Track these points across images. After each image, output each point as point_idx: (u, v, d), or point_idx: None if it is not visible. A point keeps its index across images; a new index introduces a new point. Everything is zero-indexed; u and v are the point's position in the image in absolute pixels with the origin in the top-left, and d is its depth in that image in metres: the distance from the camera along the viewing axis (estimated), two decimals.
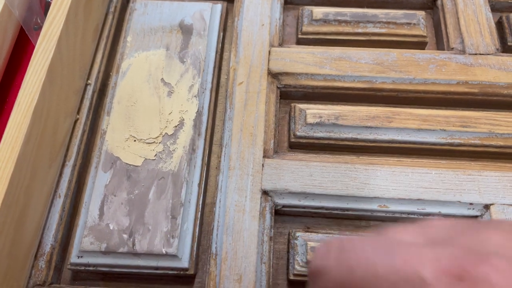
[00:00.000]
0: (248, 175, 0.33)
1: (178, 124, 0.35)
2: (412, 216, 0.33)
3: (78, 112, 0.37)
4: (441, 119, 0.35)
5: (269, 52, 0.38)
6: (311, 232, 0.33)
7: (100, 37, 0.41)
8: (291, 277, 0.31)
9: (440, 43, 0.40)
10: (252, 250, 0.31)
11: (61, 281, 0.32)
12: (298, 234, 0.32)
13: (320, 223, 0.34)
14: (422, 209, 0.32)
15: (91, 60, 0.39)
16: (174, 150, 0.34)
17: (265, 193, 0.33)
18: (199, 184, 0.34)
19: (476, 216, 0.32)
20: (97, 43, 0.40)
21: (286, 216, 0.34)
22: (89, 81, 0.38)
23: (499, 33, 0.40)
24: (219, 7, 0.41)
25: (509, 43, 0.39)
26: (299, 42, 0.41)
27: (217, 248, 0.31)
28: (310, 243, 0.31)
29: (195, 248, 0.32)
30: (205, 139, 0.35)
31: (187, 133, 0.35)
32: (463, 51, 0.38)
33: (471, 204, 0.32)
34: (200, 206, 0.33)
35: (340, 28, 0.40)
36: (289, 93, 0.38)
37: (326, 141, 0.35)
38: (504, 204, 0.32)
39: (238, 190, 0.33)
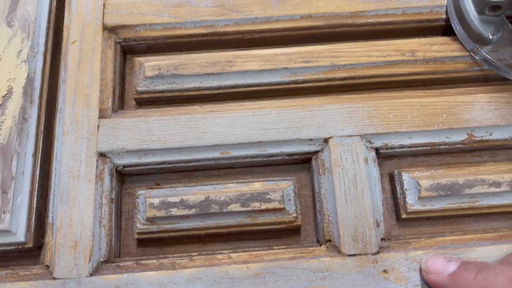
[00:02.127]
0: (82, 138, 0.32)
1: (6, 94, 0.33)
2: (257, 159, 0.32)
3: None
4: (283, 58, 0.34)
5: (104, 4, 0.35)
6: (159, 188, 0.32)
7: None
8: (136, 236, 0.31)
9: None
10: (88, 215, 0.30)
11: None
12: (140, 192, 0.31)
13: (170, 178, 0.33)
14: (264, 151, 0.32)
15: None
16: (2, 121, 0.32)
17: (102, 155, 0.31)
18: (34, 155, 0.32)
19: (316, 151, 0.32)
20: None
21: (134, 175, 0.33)
22: None
23: None
24: None
25: None
26: None
27: (53, 218, 0.30)
28: (150, 200, 0.30)
29: (33, 221, 0.31)
30: (39, 107, 0.33)
31: (17, 102, 0.33)
32: None
33: (310, 140, 0.32)
34: (38, 176, 0.32)
35: None
36: (132, 48, 0.36)
37: (169, 94, 0.34)
38: (342, 136, 0.31)
39: (72, 155, 0.31)
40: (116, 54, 0.35)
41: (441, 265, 0.26)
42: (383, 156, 0.33)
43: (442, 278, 0.26)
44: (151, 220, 0.30)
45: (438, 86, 0.35)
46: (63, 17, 0.37)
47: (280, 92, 0.34)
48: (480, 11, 0.32)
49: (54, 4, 0.37)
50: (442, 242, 0.29)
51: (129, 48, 0.36)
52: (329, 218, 0.30)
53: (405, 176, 0.31)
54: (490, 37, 0.32)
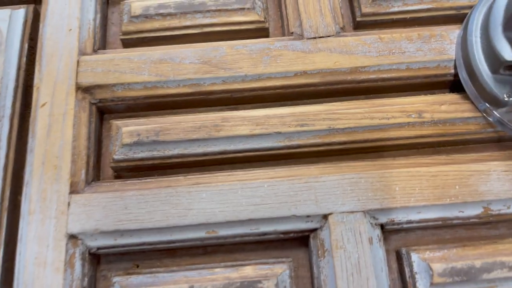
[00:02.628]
0: (50, 218, 0.28)
1: None
2: (247, 237, 0.29)
3: None
4: (276, 120, 0.31)
5: (78, 62, 0.32)
6: (137, 273, 0.28)
7: None
8: None
9: (283, 28, 0.35)
10: None
11: None
12: (115, 279, 0.27)
13: (151, 257, 0.30)
14: (256, 229, 0.28)
15: None
16: None
17: (72, 237, 0.28)
18: None
19: (315, 229, 0.28)
20: None
21: (112, 256, 0.30)
22: None
23: (350, 7, 0.35)
24: (21, 13, 0.34)
25: (358, 19, 0.34)
26: (124, 44, 0.35)
27: None
28: None
29: None
30: (3, 178, 0.30)
31: None
32: (301, 36, 0.33)
33: (308, 216, 0.28)
34: (1, 259, 0.28)
35: (166, 23, 0.34)
36: (110, 108, 0.33)
37: (150, 162, 0.30)
38: (343, 212, 0.28)
39: (38, 239, 0.28)
40: (91, 116, 0.31)
41: None
42: (389, 230, 0.29)
43: None
44: None
45: (448, 149, 0.31)
46: (34, 74, 0.33)
47: (273, 157, 0.31)
48: (494, 71, 0.29)
49: (24, 60, 0.33)
50: None
51: (106, 108, 0.33)
52: None
53: (415, 257, 0.28)
54: (506, 98, 0.29)
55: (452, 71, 0.32)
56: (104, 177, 0.31)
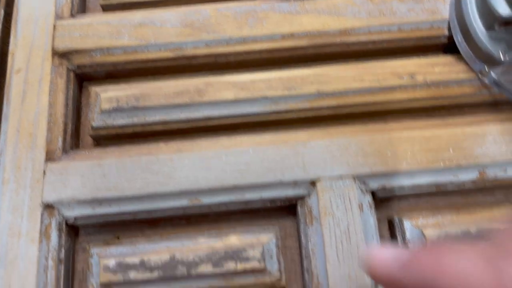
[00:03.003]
0: (25, 187, 0.27)
1: None
2: (232, 206, 0.27)
3: None
4: (262, 85, 0.29)
5: (54, 27, 0.31)
6: (117, 244, 0.27)
7: None
8: None
9: None
10: (30, 281, 0.25)
11: None
12: (93, 250, 0.26)
13: (131, 228, 0.28)
14: (241, 196, 0.27)
15: None
16: None
17: (48, 206, 0.27)
18: None
19: (302, 197, 0.27)
20: None
21: (90, 227, 0.28)
22: None
23: None
24: None
25: None
26: (104, 9, 0.33)
27: None
28: (104, 261, 0.26)
29: None
30: None
31: None
32: None
33: (295, 182, 0.27)
34: None
35: None
36: (88, 75, 0.31)
37: (130, 129, 0.29)
38: (332, 178, 0.27)
39: (12, 209, 0.26)
40: (69, 83, 0.30)
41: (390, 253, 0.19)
42: (380, 198, 0.28)
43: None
44: (106, 285, 0.25)
45: (442, 113, 0.30)
46: (9, 41, 0.32)
47: (259, 124, 0.30)
48: (489, 27, 0.27)
49: (0, 27, 0.32)
50: None
51: (85, 75, 0.31)
52: (318, 279, 0.25)
53: (407, 224, 0.26)
54: (501, 57, 0.27)
55: (446, 32, 0.30)
56: (83, 146, 0.30)
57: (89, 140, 0.30)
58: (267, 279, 0.25)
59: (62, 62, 0.30)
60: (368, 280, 0.25)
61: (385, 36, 0.30)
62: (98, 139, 0.30)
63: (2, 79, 0.31)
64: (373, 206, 0.27)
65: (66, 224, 0.27)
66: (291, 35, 0.30)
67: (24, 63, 0.30)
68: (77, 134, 0.30)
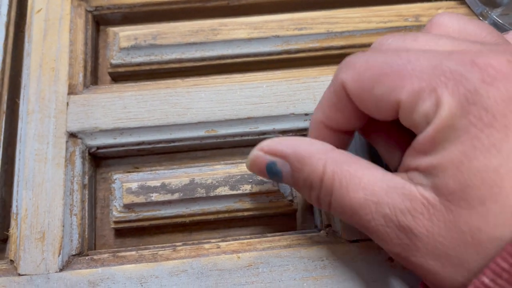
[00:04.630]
0: (50, 117, 0.28)
1: None
2: (247, 137, 0.29)
3: None
4: (274, 25, 0.31)
5: None
6: (137, 171, 0.28)
7: None
8: (112, 226, 0.27)
9: None
10: (57, 203, 0.26)
11: None
12: (115, 176, 0.28)
13: (150, 160, 0.30)
14: (255, 128, 0.29)
15: None
16: None
17: (72, 135, 0.28)
18: None
19: None
20: None
21: (110, 159, 0.30)
22: None
23: None
24: None
25: None
26: None
27: (18, 207, 0.27)
28: (127, 185, 0.27)
29: None
30: (1, 84, 0.29)
31: None
32: None
33: (306, 114, 0.28)
34: (1, 161, 0.28)
35: None
36: (105, 17, 0.32)
37: (147, 67, 0.30)
38: None
39: (38, 136, 0.28)
40: (88, 24, 0.31)
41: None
42: None
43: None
44: (129, 207, 0.27)
45: None
46: None
47: (271, 63, 0.31)
48: None
49: None
50: None
51: (102, 18, 0.32)
52: None
53: None
54: None
55: None
56: (102, 83, 0.31)
57: (107, 78, 0.32)
58: (280, 201, 0.27)
59: (80, 3, 0.31)
60: None
61: None
62: (116, 77, 0.31)
63: (21, 20, 0.32)
64: None
65: (89, 153, 0.28)
66: None
67: (44, 3, 0.31)
68: (96, 73, 0.32)
